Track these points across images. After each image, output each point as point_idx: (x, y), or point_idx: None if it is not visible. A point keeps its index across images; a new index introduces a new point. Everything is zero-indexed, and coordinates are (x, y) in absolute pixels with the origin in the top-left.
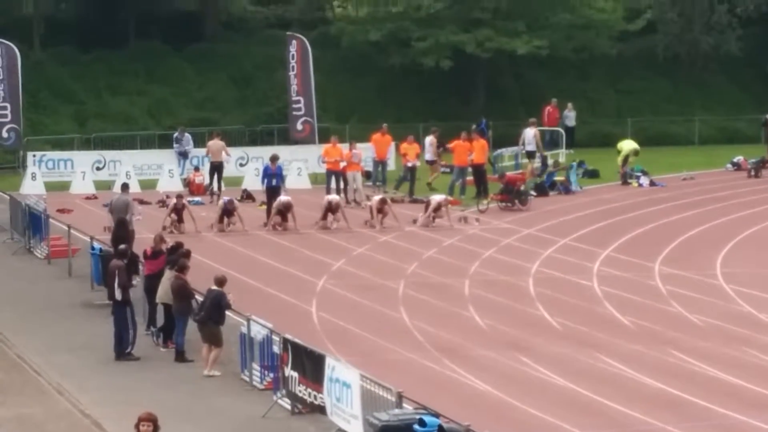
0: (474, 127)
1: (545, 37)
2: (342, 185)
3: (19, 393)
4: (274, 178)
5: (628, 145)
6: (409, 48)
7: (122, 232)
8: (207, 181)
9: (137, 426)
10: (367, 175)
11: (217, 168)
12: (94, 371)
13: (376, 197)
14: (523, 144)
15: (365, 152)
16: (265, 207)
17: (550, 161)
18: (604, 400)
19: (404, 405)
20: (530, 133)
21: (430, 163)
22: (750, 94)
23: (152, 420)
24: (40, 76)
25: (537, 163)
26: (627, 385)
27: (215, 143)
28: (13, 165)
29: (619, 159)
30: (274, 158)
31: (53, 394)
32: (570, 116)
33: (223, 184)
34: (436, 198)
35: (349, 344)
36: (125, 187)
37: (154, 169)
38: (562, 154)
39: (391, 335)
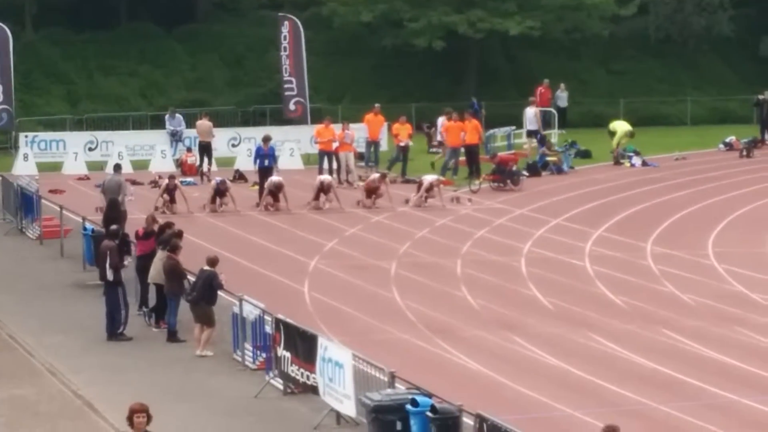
0: (469, 108)
1: (537, 17)
2: (335, 166)
3: (11, 374)
4: (266, 158)
5: (622, 126)
6: (402, 29)
7: (114, 212)
8: (198, 162)
9: (130, 418)
10: (360, 157)
11: (205, 148)
12: (86, 351)
13: (375, 174)
14: (525, 124)
15: (358, 133)
16: (257, 187)
17: (526, 147)
18: (597, 379)
19: (397, 385)
20: (531, 112)
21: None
22: (742, 75)
23: (145, 410)
24: (32, 57)
25: (534, 143)
26: (619, 365)
27: (203, 123)
28: (5, 146)
29: (614, 141)
30: (266, 139)
31: (45, 375)
32: (562, 97)
33: (214, 164)
34: (429, 178)
35: (342, 324)
36: (118, 167)
37: (147, 150)
38: (555, 135)
39: (384, 315)
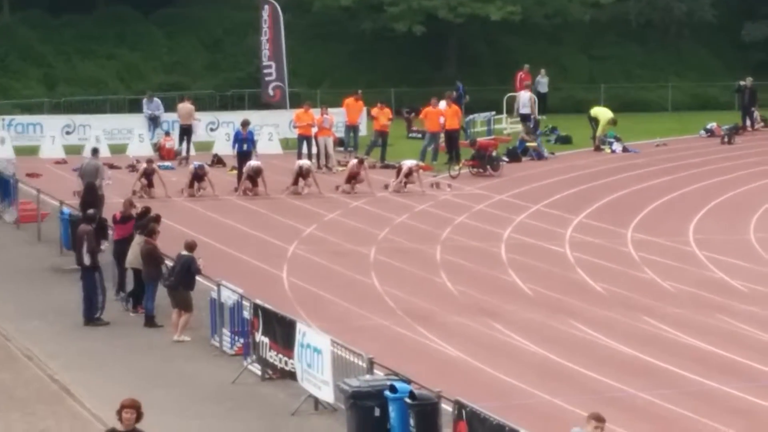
0: (447, 93)
1: (518, 2)
2: (314, 151)
3: None
4: (245, 143)
5: (604, 114)
6: (382, 13)
7: (91, 196)
8: (177, 145)
9: (119, 412)
10: (339, 143)
11: (186, 131)
12: (63, 336)
13: (354, 160)
14: (517, 107)
15: (337, 117)
16: (235, 172)
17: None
18: (576, 366)
19: (375, 371)
20: (525, 96)
21: (525, 118)
22: (723, 61)
23: (135, 407)
24: (9, 40)
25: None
26: (599, 352)
27: (184, 106)
28: None
29: (599, 129)
30: (245, 123)
31: (22, 360)
32: (542, 82)
33: (192, 148)
34: (407, 163)
35: (320, 310)
36: (95, 151)
37: (124, 134)
38: (524, 126)
39: (363, 301)
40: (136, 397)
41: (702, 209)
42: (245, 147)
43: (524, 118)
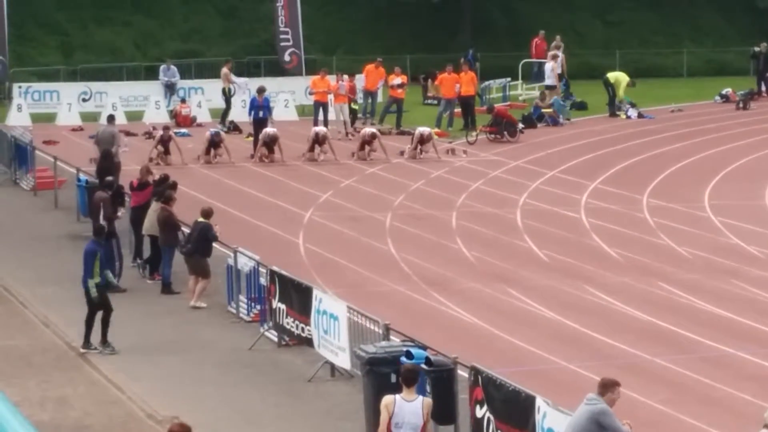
0: (462, 59)
1: None
2: (331, 117)
3: (5, 325)
4: (261, 110)
5: (622, 77)
6: None
7: (108, 163)
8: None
9: None
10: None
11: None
12: (79, 303)
13: (367, 129)
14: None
15: (357, 83)
16: (251, 139)
17: (546, 99)
18: (592, 332)
19: (391, 337)
20: (548, 67)
21: (550, 88)
22: (738, 26)
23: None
24: (26, 8)
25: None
26: (614, 317)
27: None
28: None
29: (620, 92)
30: (261, 90)
31: (39, 326)
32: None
33: (208, 114)
34: (421, 129)
35: (337, 276)
36: (111, 118)
37: (141, 101)
38: (547, 95)
39: (379, 267)
40: (152, 362)
41: (717, 175)
42: (261, 114)
43: (549, 88)
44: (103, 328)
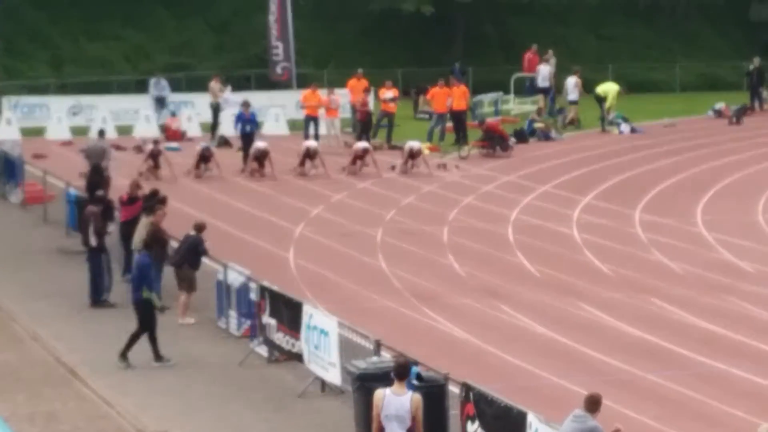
0: (450, 73)
1: None
2: (321, 131)
3: None
4: (248, 123)
5: (611, 87)
6: None
7: (97, 177)
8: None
9: None
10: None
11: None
12: (69, 318)
13: (359, 144)
14: (565, 93)
15: (343, 99)
16: (242, 153)
17: (540, 104)
18: (584, 348)
19: (382, 353)
20: (572, 82)
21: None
22: (731, 41)
23: None
24: (16, 21)
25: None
26: (606, 333)
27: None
28: None
29: (608, 103)
30: (246, 104)
31: (28, 341)
32: (550, 62)
33: (199, 129)
34: (411, 144)
35: (327, 291)
36: (102, 133)
37: (131, 115)
38: (541, 100)
39: (370, 282)
40: (142, 378)
41: (710, 190)
42: (248, 128)
43: (545, 92)
44: (153, 344)
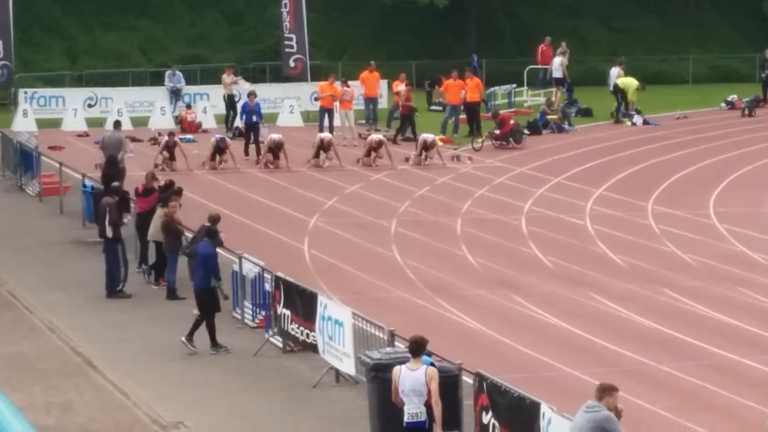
0: (467, 67)
1: None
2: (336, 123)
3: (10, 330)
4: (252, 114)
5: (630, 83)
6: None
7: (113, 169)
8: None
9: None
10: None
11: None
12: (85, 309)
13: (374, 136)
14: (609, 82)
15: (356, 90)
16: (255, 145)
17: (554, 98)
18: (597, 338)
19: (396, 343)
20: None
21: (558, 81)
22: (744, 32)
23: None
24: (32, 13)
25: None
26: (619, 324)
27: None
28: (4, 102)
29: (630, 97)
30: (251, 94)
31: (45, 332)
32: (556, 65)
33: (214, 120)
34: (425, 136)
35: (342, 282)
36: (118, 124)
37: (146, 107)
38: (554, 93)
39: (384, 274)
40: (157, 368)
41: (722, 182)
42: (253, 118)
43: (558, 82)
44: (211, 332)
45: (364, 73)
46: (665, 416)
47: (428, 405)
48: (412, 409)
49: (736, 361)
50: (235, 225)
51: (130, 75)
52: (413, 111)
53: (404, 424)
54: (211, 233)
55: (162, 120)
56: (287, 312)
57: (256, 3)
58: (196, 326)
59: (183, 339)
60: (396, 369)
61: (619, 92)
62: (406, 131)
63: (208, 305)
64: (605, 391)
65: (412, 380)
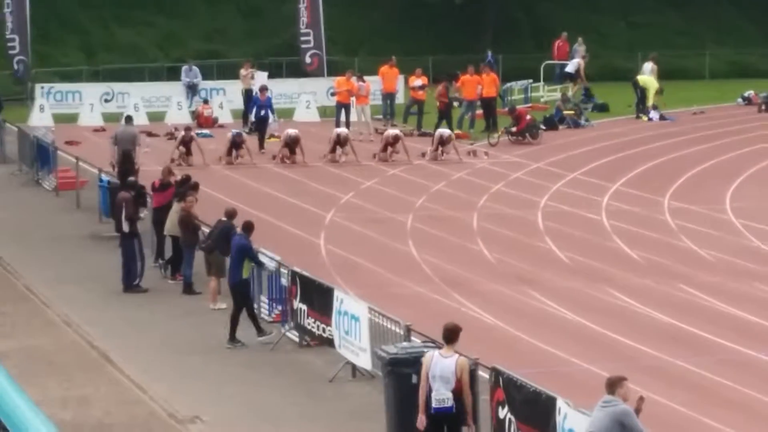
0: (482, 63)
1: None
2: (353, 118)
3: (27, 324)
4: (263, 108)
5: (652, 83)
6: None
7: (128, 164)
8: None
9: None
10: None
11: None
12: (102, 303)
13: (390, 131)
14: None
15: (373, 86)
16: (274, 140)
17: (569, 93)
18: (613, 334)
19: (412, 338)
20: (648, 67)
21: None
22: (761, 28)
23: None
24: (48, 8)
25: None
26: (636, 319)
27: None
28: (21, 97)
29: (650, 99)
30: (263, 89)
31: (61, 326)
32: (579, 50)
33: (230, 115)
34: (441, 131)
35: (358, 277)
36: (129, 119)
37: (163, 102)
38: (571, 88)
39: (400, 268)
40: (173, 363)
41: (739, 177)
42: (263, 113)
43: (571, 77)
44: (254, 321)
45: (384, 67)
46: (681, 411)
47: (455, 393)
48: (440, 395)
49: (752, 356)
50: (251, 220)
51: (146, 70)
52: (450, 105)
53: (431, 410)
54: (227, 229)
55: (178, 115)
56: (303, 307)
57: None
58: (234, 325)
59: (227, 345)
60: (428, 354)
61: (639, 88)
62: (441, 125)
63: (243, 299)
64: (614, 384)
65: (443, 367)
